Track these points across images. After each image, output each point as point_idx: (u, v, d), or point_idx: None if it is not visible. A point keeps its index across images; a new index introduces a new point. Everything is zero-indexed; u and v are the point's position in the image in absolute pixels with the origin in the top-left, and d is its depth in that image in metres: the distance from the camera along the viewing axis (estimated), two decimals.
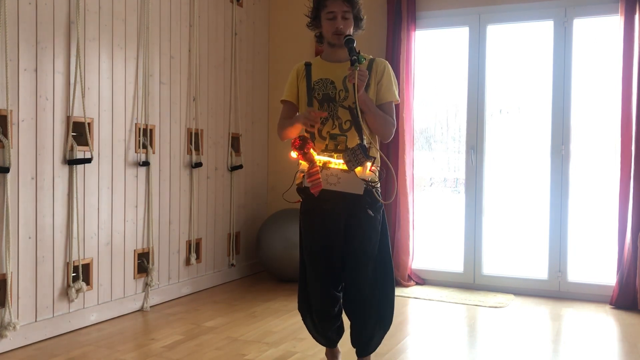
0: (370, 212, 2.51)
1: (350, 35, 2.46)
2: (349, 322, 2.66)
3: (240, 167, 4.90)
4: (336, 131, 2.48)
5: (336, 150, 2.45)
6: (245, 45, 5.01)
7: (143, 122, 3.91)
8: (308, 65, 2.58)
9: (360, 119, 2.41)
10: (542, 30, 4.55)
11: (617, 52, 4.16)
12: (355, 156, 2.36)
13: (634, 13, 4.08)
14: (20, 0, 3.08)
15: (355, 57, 2.35)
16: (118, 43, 3.71)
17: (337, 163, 2.43)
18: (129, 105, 3.82)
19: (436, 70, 4.98)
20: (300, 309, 2.75)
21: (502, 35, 4.69)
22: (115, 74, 3.70)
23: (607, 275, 4.31)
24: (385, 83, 2.54)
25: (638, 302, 4.03)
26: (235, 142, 4.89)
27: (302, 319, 2.77)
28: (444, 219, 5.08)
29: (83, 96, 3.44)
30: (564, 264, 4.44)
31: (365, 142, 2.43)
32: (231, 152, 4.82)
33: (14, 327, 3.02)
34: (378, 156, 2.55)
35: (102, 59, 3.60)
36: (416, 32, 4.73)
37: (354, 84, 2.35)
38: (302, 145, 2.41)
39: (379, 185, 2.54)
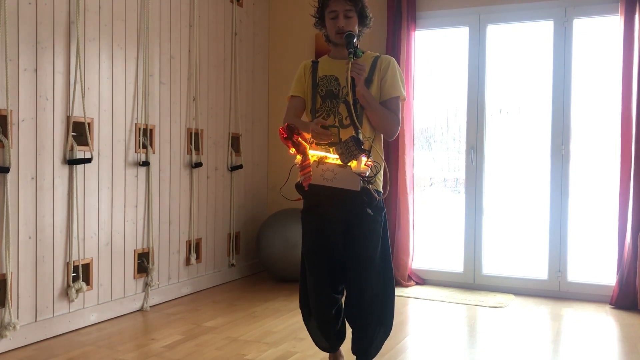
0: (370, 211, 2.46)
1: (350, 31, 2.44)
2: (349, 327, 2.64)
3: (240, 167, 4.90)
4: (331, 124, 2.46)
5: (331, 144, 2.42)
6: (245, 45, 5.01)
7: (143, 122, 3.91)
8: (315, 63, 2.60)
9: (355, 115, 2.37)
10: (542, 30, 4.55)
11: (617, 52, 4.17)
12: (348, 149, 2.28)
13: (634, 13, 4.08)
14: (20, 0, 3.08)
15: (352, 50, 2.35)
16: (118, 43, 3.71)
17: (334, 158, 2.37)
18: (129, 105, 3.82)
19: (436, 70, 4.97)
20: (302, 311, 2.73)
21: (502, 35, 4.69)
22: (115, 74, 3.70)
23: (607, 275, 4.31)
24: (389, 79, 2.50)
25: (638, 302, 4.04)
26: (235, 142, 4.89)
27: (304, 321, 2.75)
28: (444, 219, 5.08)
29: (83, 96, 3.44)
30: (564, 264, 4.44)
31: (360, 136, 2.36)
32: (231, 152, 4.82)
33: (14, 327, 3.02)
34: (379, 152, 2.51)
35: (102, 59, 3.60)
36: (416, 32, 4.73)
37: (348, 77, 2.34)
38: (289, 135, 2.34)
39: (376, 181, 2.48)
